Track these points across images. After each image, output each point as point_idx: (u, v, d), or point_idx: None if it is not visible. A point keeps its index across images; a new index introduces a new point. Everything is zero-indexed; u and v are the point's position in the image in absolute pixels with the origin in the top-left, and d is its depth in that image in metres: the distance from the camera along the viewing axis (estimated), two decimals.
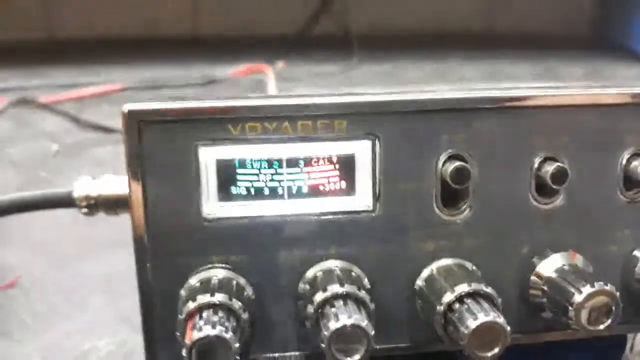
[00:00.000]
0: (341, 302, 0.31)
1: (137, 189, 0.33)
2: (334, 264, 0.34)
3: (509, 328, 0.30)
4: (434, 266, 0.35)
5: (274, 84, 1.25)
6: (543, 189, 0.36)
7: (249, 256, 0.34)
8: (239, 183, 0.34)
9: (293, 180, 0.34)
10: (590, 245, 0.37)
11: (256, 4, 1.84)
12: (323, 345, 0.29)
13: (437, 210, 0.35)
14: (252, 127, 0.33)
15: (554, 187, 0.35)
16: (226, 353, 0.28)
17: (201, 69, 1.42)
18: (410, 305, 0.35)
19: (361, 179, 0.34)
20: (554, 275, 0.35)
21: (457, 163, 0.34)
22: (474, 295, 0.32)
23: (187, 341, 0.29)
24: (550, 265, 0.36)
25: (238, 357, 0.29)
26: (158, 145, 0.33)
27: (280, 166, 0.34)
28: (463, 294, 0.32)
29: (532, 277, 0.36)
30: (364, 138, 0.34)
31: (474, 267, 0.35)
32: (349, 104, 0.34)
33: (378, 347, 0.31)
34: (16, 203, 0.47)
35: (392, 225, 0.35)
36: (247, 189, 0.34)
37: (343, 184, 0.34)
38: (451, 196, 0.35)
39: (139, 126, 0.32)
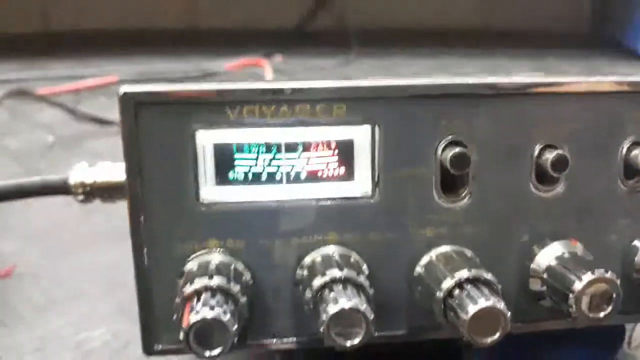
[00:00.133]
0: (340, 287, 0.30)
1: (134, 172, 0.33)
2: (332, 250, 0.34)
3: (509, 313, 0.30)
4: (433, 253, 0.35)
5: (270, 77, 1.25)
6: (543, 177, 0.35)
7: (246, 241, 0.34)
8: (236, 168, 0.33)
9: (291, 165, 0.33)
10: (590, 234, 0.36)
11: None
12: (322, 330, 0.29)
13: (436, 197, 0.35)
14: (250, 111, 0.33)
15: (554, 174, 0.34)
16: (224, 336, 0.28)
17: (198, 62, 1.42)
18: (409, 292, 0.35)
19: (360, 164, 0.34)
20: (554, 263, 0.35)
21: (457, 149, 0.33)
22: (474, 281, 0.31)
23: (185, 324, 0.28)
24: (550, 253, 0.35)
25: (236, 341, 0.29)
26: (155, 128, 0.32)
27: (279, 151, 0.33)
28: (463, 279, 0.31)
29: (532, 265, 0.36)
30: (363, 123, 0.34)
31: (473, 255, 0.35)
32: (348, 88, 0.33)
33: (377, 334, 0.30)
34: (10, 189, 0.47)
35: (391, 211, 0.35)
36: (245, 173, 0.33)
37: (342, 169, 0.34)
38: (451, 183, 0.35)
39: (135, 109, 0.32)
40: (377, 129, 0.34)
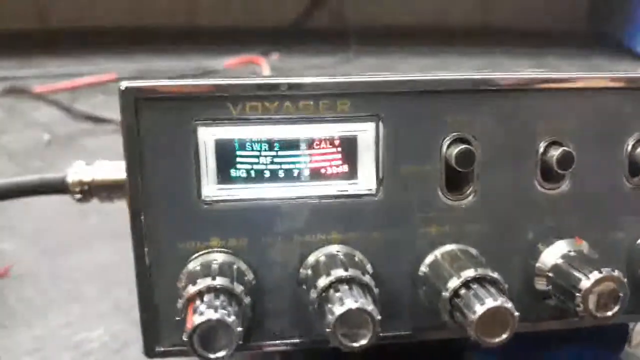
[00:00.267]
0: (346, 287, 0.30)
1: (134, 169, 0.32)
2: (336, 249, 0.34)
3: (517, 313, 0.29)
4: (437, 252, 0.34)
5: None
6: (548, 174, 0.35)
7: (249, 240, 0.33)
8: (238, 165, 0.33)
9: (294, 163, 0.33)
10: (595, 232, 0.36)
11: None
12: (328, 331, 0.29)
13: (441, 194, 0.34)
14: (253, 107, 0.32)
15: (559, 171, 0.34)
16: (228, 337, 0.27)
17: (196, 60, 1.41)
18: (414, 291, 0.35)
19: (364, 161, 0.33)
20: (560, 261, 0.34)
21: (462, 146, 0.33)
22: (480, 280, 0.31)
23: (189, 325, 0.28)
24: (555, 252, 0.35)
25: (240, 342, 0.28)
26: (156, 124, 0.32)
27: (282, 148, 0.33)
28: (469, 279, 0.31)
29: (537, 264, 0.35)
30: (367, 119, 0.33)
31: (478, 253, 0.34)
32: (352, 83, 0.33)
33: (381, 334, 0.30)
34: (7, 188, 0.46)
35: (395, 209, 0.34)
36: (247, 171, 0.33)
37: (345, 166, 0.33)
38: (455, 180, 0.35)
39: (136, 105, 0.31)
40: (381, 125, 0.33)
